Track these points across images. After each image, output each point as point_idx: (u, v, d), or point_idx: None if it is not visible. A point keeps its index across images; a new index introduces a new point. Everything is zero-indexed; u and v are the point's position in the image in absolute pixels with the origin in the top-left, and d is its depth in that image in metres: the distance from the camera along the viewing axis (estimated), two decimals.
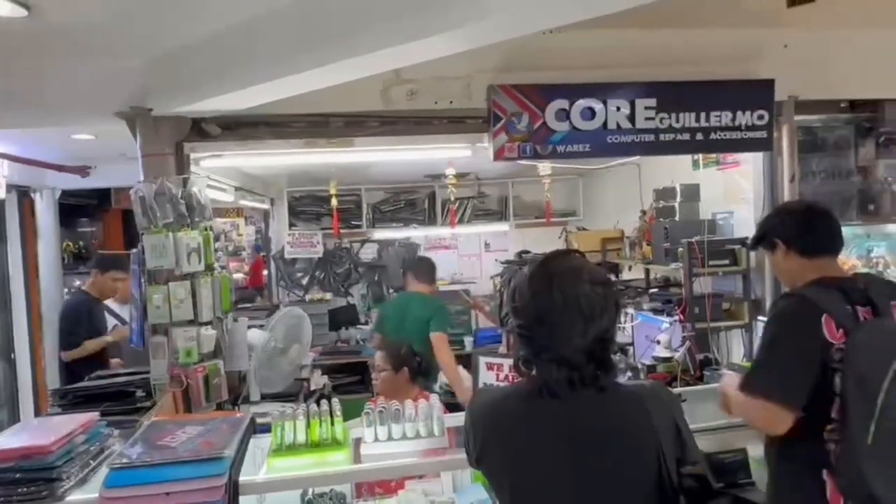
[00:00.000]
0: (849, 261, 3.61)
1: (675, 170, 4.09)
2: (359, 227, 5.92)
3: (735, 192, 3.55)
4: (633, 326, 4.21)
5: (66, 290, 6.07)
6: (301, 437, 2.05)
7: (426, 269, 4.27)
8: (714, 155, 3.68)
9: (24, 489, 1.78)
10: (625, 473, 1.34)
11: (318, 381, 4.82)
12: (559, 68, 2.82)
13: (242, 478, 1.88)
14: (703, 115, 2.91)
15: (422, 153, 3.69)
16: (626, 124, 2.85)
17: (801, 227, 1.93)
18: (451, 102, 2.86)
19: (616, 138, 2.86)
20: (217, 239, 9.68)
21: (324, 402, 2.16)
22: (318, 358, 5.23)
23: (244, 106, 2.71)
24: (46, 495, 1.78)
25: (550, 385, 1.36)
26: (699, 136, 2.93)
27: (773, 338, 1.86)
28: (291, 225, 5.81)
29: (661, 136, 2.90)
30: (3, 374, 5.00)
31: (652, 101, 2.86)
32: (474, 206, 6.06)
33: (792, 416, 1.79)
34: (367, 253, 6.16)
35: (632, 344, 4.22)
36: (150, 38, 2.50)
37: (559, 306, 1.35)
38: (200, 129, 2.89)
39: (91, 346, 4.20)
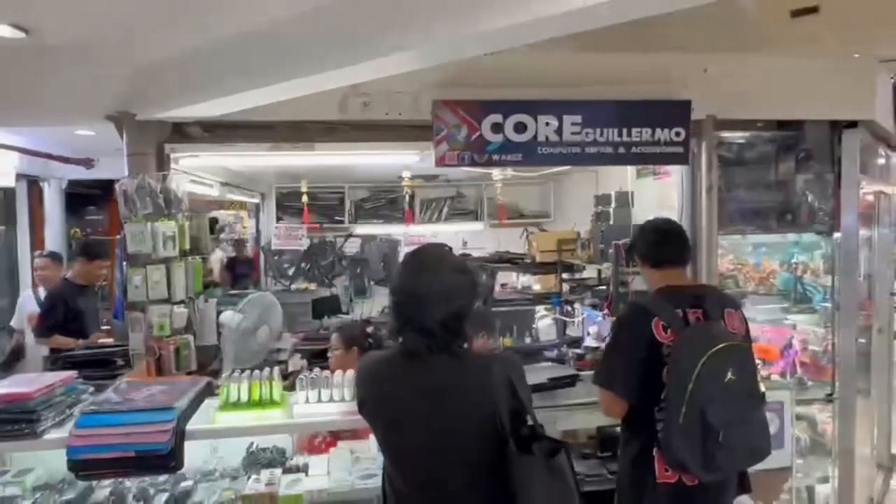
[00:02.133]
0: (770, 265, 3.96)
1: (624, 178, 4.44)
2: (342, 222, 6.32)
3: (666, 200, 3.89)
4: (582, 320, 4.57)
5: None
6: (244, 396, 2.44)
7: None
8: (651, 167, 4.02)
9: (10, 427, 2.18)
10: (465, 419, 1.69)
11: (297, 363, 5.20)
12: (495, 86, 3.17)
13: (190, 426, 2.28)
14: (624, 130, 3.25)
15: (380, 157, 4.07)
16: (554, 137, 3.20)
17: (651, 245, 2.34)
18: (400, 114, 3.22)
19: (545, 150, 3.22)
20: (222, 230, 10.13)
21: (266, 369, 2.55)
22: (300, 343, 5.60)
23: (217, 113, 3.08)
24: (28, 433, 2.19)
25: (413, 349, 1.73)
26: (621, 150, 3.26)
27: (613, 339, 2.26)
28: (279, 219, 6.21)
29: (587, 149, 3.24)
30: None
31: (577, 118, 3.20)
32: (451, 207, 6.43)
33: (625, 404, 2.17)
34: (351, 247, 6.55)
35: (582, 336, 4.57)
36: (133, 52, 2.89)
37: (422, 287, 1.73)
38: (182, 131, 3.28)
39: (60, 340, 4.22)
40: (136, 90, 3.08)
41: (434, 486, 1.72)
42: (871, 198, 4.38)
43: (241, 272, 7.08)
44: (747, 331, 2.27)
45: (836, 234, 3.75)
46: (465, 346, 1.78)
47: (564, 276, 4.72)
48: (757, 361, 3.66)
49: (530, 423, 1.76)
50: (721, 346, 1.99)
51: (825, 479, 3.98)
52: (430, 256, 1.81)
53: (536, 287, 5.35)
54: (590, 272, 5.05)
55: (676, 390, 1.99)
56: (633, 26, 2.17)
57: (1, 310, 5.56)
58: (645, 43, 3.32)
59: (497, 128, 3.17)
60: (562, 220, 6.26)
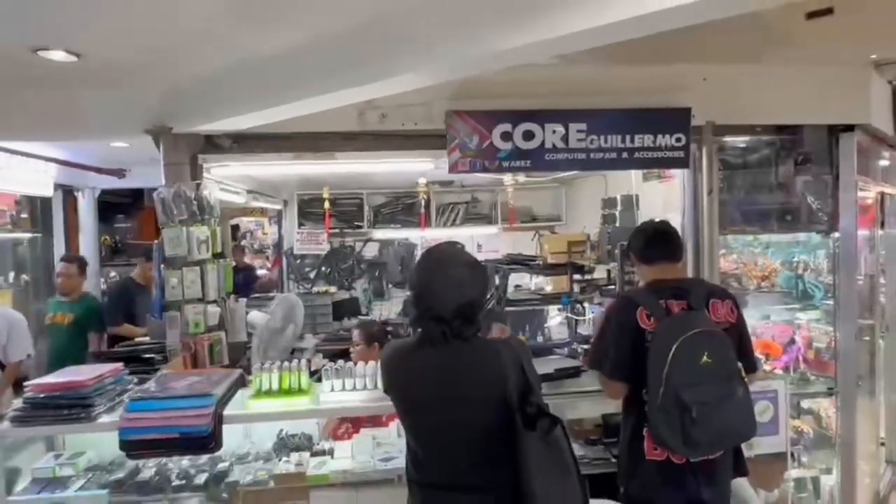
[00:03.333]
0: (772, 264, 4.12)
1: (632, 181, 4.62)
2: (360, 227, 6.56)
3: (671, 202, 4.07)
4: (592, 318, 4.74)
5: (112, 275, 6.80)
6: (275, 385, 2.67)
7: None
8: (656, 171, 4.20)
9: (68, 411, 2.42)
10: (478, 398, 1.89)
11: (319, 363, 5.44)
12: (504, 96, 3.38)
13: (226, 411, 2.51)
14: (627, 137, 3.45)
15: (397, 165, 4.30)
16: (560, 144, 3.40)
17: (641, 244, 2.54)
18: (415, 124, 3.45)
19: (552, 156, 3.42)
20: (244, 237, 10.33)
21: (295, 361, 2.78)
22: (321, 344, 5.84)
23: (246, 126, 3.33)
24: (84, 416, 2.43)
25: (430, 336, 1.93)
26: (625, 155, 3.46)
27: (602, 327, 2.47)
28: (301, 224, 6.47)
29: (592, 155, 3.44)
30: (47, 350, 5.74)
31: (583, 126, 3.40)
32: (467, 211, 6.64)
33: (620, 385, 2.38)
34: (370, 251, 6.79)
35: (591, 334, 4.75)
36: (170, 72, 3.15)
37: (438, 280, 1.93)
38: (213, 143, 3.53)
39: (126, 330, 4.72)
40: (172, 106, 3.34)
41: (451, 459, 1.93)
42: (872, 198, 4.51)
43: (236, 281, 7.02)
44: (738, 319, 2.44)
45: (835, 234, 3.90)
46: (478, 333, 1.98)
47: (577, 276, 4.88)
48: (758, 355, 3.88)
49: (535, 401, 1.96)
50: (694, 331, 2.18)
51: (830, 471, 4.12)
52: (444, 253, 2.03)
53: (548, 288, 5.53)
54: (600, 272, 5.23)
55: (655, 373, 2.18)
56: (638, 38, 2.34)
57: (39, 314, 5.86)
58: (648, 54, 3.51)
59: (506, 136, 3.38)
60: (574, 223, 6.43)
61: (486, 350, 1.95)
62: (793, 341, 4.15)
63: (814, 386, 4.13)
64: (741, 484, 2.76)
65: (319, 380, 2.82)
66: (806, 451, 4.14)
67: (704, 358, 2.18)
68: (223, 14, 2.49)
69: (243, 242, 10.12)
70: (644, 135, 3.45)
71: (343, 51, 2.82)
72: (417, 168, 4.58)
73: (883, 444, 5.01)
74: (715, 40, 3.38)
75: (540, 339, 5.03)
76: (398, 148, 3.59)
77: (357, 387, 2.70)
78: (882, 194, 4.75)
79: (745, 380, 2.36)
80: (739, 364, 2.31)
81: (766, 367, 4.06)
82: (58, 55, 2.67)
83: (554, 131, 3.40)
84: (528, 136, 3.39)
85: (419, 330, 1.98)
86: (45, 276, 6.04)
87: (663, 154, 3.49)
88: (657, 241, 2.52)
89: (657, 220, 2.73)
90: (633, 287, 2.54)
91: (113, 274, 7.26)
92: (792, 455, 3.35)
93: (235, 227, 10.17)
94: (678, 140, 3.48)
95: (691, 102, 3.50)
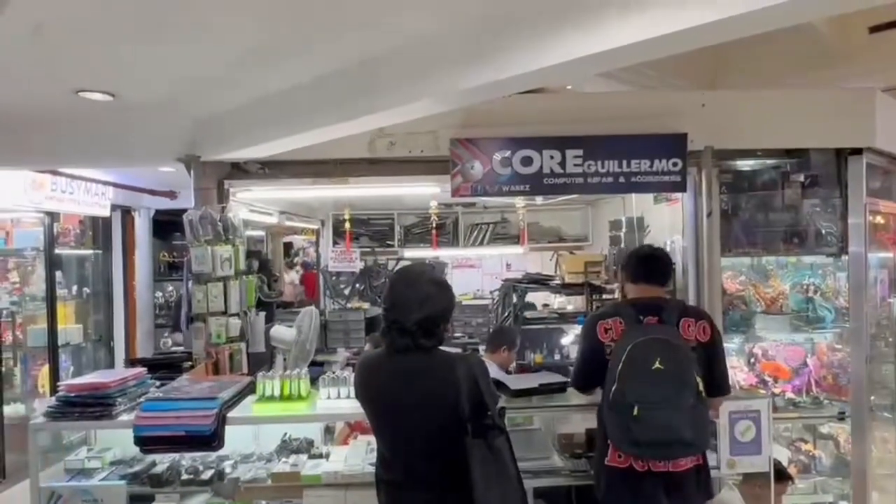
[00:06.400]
0: (779, 286, 4.12)
1: (644, 203, 4.71)
2: (392, 246, 6.83)
3: (677, 224, 4.14)
4: None
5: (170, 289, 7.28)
6: (277, 392, 2.92)
7: None
8: (664, 194, 4.28)
9: (91, 409, 2.74)
10: (430, 403, 2.09)
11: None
12: (504, 125, 3.58)
13: (231, 414, 2.77)
14: (624, 162, 3.57)
15: (404, 189, 4.57)
16: (557, 169, 3.56)
17: (632, 265, 2.74)
18: (421, 151, 3.68)
19: (550, 180, 3.58)
20: (297, 254, 10.84)
21: (297, 369, 3.03)
22: (351, 357, 6.11)
23: (265, 155, 3.64)
24: (106, 414, 2.74)
25: (395, 346, 2.14)
26: (622, 179, 3.58)
27: (579, 345, 2.64)
28: (335, 243, 6.80)
29: (589, 179, 3.58)
30: (105, 357, 6.25)
31: (579, 151, 3.55)
32: (494, 231, 6.82)
33: (589, 399, 2.53)
34: None
35: None
36: (195, 109, 3.50)
37: (405, 296, 2.14)
38: (240, 168, 3.86)
39: None
40: (200, 137, 3.70)
41: (409, 459, 2.13)
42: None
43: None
44: (711, 339, 2.57)
45: (845, 257, 3.88)
46: (440, 345, 2.17)
47: (596, 295, 4.99)
48: (767, 378, 3.90)
49: (492, 416, 2.13)
50: (650, 337, 2.36)
51: (848, 497, 4.07)
52: (412, 272, 2.25)
53: (570, 307, 5.64)
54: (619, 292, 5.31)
55: (611, 372, 2.39)
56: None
57: (98, 324, 6.38)
58: (650, 81, 3.64)
59: (506, 162, 3.57)
60: (599, 244, 6.53)
61: (442, 362, 2.14)
62: (805, 364, 4.12)
63: (827, 410, 4.09)
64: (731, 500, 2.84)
65: None
66: (819, 475, 4.09)
67: (657, 364, 2.33)
68: (242, 60, 2.81)
69: (296, 259, 10.62)
70: (640, 160, 3.57)
71: (356, 82, 3.06)
72: (428, 191, 4.81)
73: None
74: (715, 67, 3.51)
75: (557, 357, 5.13)
76: (406, 173, 3.83)
77: (351, 395, 2.91)
78: None
79: (711, 400, 2.48)
80: (698, 379, 2.41)
81: (776, 390, 4.06)
82: (95, 96, 3.05)
83: (551, 157, 3.56)
84: (527, 161, 3.56)
85: (386, 340, 2.19)
86: (105, 288, 6.55)
87: (660, 178, 3.59)
88: (644, 265, 2.71)
89: (655, 245, 2.92)
90: (609, 303, 2.73)
91: (170, 288, 7.76)
92: (788, 478, 3.34)
93: (289, 245, 10.72)
94: (675, 164, 3.57)
95: (689, 128, 3.60)
